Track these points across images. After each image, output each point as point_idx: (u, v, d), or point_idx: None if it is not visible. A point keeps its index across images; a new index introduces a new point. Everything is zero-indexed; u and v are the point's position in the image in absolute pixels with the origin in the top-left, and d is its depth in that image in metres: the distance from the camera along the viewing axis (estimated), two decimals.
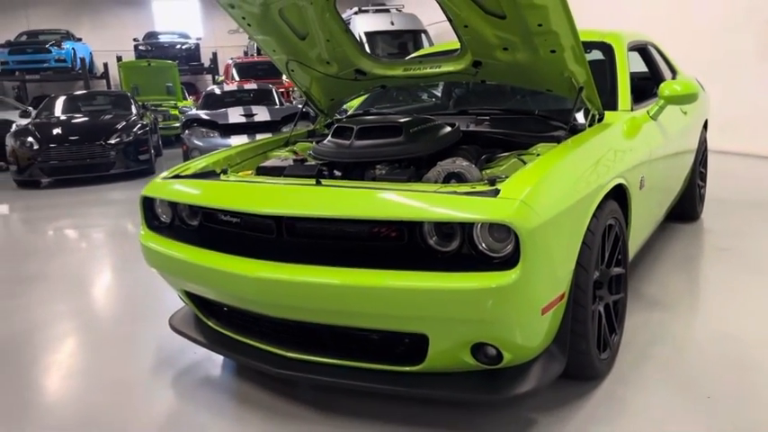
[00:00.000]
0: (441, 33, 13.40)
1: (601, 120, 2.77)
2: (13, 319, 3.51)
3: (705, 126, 4.71)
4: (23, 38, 18.54)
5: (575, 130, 2.67)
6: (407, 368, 2.07)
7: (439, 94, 4.31)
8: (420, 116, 2.71)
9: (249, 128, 8.30)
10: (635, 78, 4.11)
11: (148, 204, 2.64)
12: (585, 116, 2.78)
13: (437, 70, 2.88)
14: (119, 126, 8.84)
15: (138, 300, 3.75)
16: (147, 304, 3.63)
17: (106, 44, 20.32)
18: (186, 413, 2.38)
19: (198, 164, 2.81)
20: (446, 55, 2.91)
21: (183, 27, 21.14)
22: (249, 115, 8.55)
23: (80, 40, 19.10)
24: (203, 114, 8.80)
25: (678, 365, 2.54)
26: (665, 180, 3.35)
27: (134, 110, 9.95)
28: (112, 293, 4.00)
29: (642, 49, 3.91)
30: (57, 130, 8.71)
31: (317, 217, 2.07)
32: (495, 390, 2.04)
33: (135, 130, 8.93)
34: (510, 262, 1.86)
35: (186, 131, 8.49)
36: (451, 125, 2.68)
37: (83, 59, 17.77)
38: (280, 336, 2.31)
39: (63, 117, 9.48)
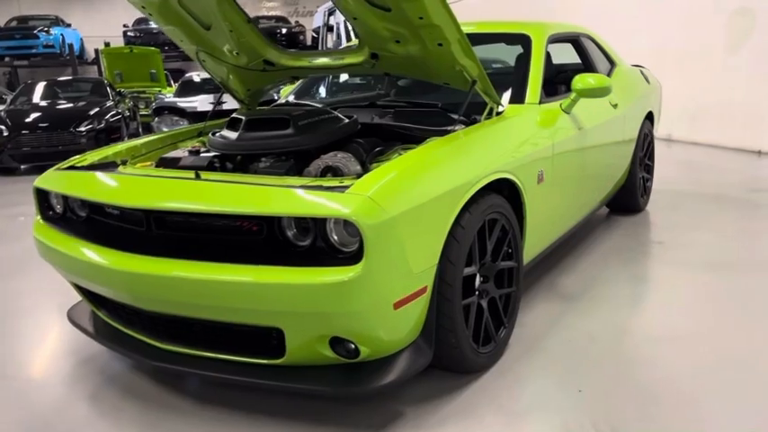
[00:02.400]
0: None
1: (500, 113, 2.76)
2: None
3: (650, 118, 4.67)
4: (14, 23, 18.55)
5: (475, 123, 2.67)
6: (267, 361, 2.08)
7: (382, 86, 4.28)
8: (317, 108, 2.70)
9: (218, 115, 8.26)
10: (567, 70, 4.09)
11: (42, 195, 2.65)
12: None
13: (339, 62, 2.87)
14: (91, 113, 8.81)
15: None
16: None
17: (97, 30, 20.29)
18: (67, 403, 2.40)
19: (98, 154, 2.81)
20: (351, 48, 2.90)
21: None
22: (219, 103, 8.51)
23: (69, 25, 19.10)
24: (173, 102, 8.79)
25: (563, 359, 2.55)
26: (580, 173, 3.33)
27: (110, 97, 9.93)
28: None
29: (574, 41, 3.87)
30: (28, 118, 8.70)
31: (181, 211, 2.07)
32: (356, 382, 2.06)
33: (108, 117, 8.91)
34: (358, 257, 1.86)
35: (156, 119, 8.51)
36: (349, 117, 2.68)
37: (71, 45, 17.75)
38: (157, 328, 2.32)
39: (36, 104, 9.48)
